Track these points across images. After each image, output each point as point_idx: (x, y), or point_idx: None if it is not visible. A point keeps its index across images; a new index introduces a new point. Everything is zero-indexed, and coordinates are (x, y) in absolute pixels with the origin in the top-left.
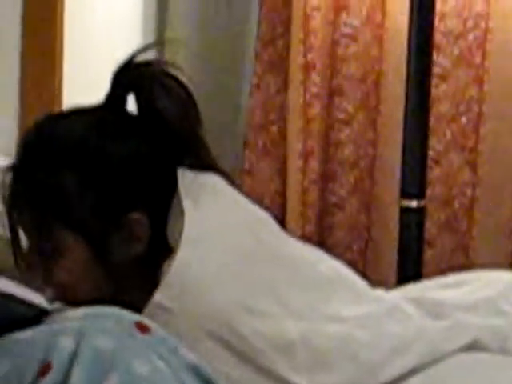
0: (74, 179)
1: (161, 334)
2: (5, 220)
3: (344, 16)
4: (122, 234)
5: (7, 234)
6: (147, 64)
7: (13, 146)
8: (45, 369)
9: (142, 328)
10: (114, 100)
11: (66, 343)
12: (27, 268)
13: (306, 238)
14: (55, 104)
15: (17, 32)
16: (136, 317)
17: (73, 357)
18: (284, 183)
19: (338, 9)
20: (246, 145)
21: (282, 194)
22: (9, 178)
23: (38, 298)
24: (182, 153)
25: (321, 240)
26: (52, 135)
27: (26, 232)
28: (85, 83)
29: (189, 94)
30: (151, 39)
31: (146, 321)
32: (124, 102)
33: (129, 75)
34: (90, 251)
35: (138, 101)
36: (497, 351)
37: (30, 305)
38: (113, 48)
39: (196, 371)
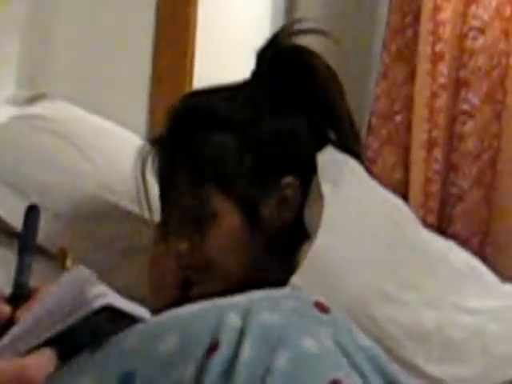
0: (235, 140)
1: (338, 315)
2: (142, 194)
3: (473, 8)
4: (275, 197)
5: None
6: (289, 47)
7: (143, 126)
8: (214, 346)
9: (322, 308)
10: (259, 76)
11: (234, 320)
12: (175, 239)
13: (427, 228)
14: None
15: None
16: (313, 297)
17: (241, 334)
18: (406, 172)
19: (468, 1)
20: (370, 133)
21: (404, 184)
22: (154, 150)
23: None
24: (330, 127)
25: (440, 231)
26: (206, 104)
27: (178, 203)
28: (215, 64)
29: (334, 73)
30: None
31: (323, 301)
32: (268, 78)
33: (273, 53)
34: (242, 217)
35: (282, 77)
36: None
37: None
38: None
39: (368, 354)
